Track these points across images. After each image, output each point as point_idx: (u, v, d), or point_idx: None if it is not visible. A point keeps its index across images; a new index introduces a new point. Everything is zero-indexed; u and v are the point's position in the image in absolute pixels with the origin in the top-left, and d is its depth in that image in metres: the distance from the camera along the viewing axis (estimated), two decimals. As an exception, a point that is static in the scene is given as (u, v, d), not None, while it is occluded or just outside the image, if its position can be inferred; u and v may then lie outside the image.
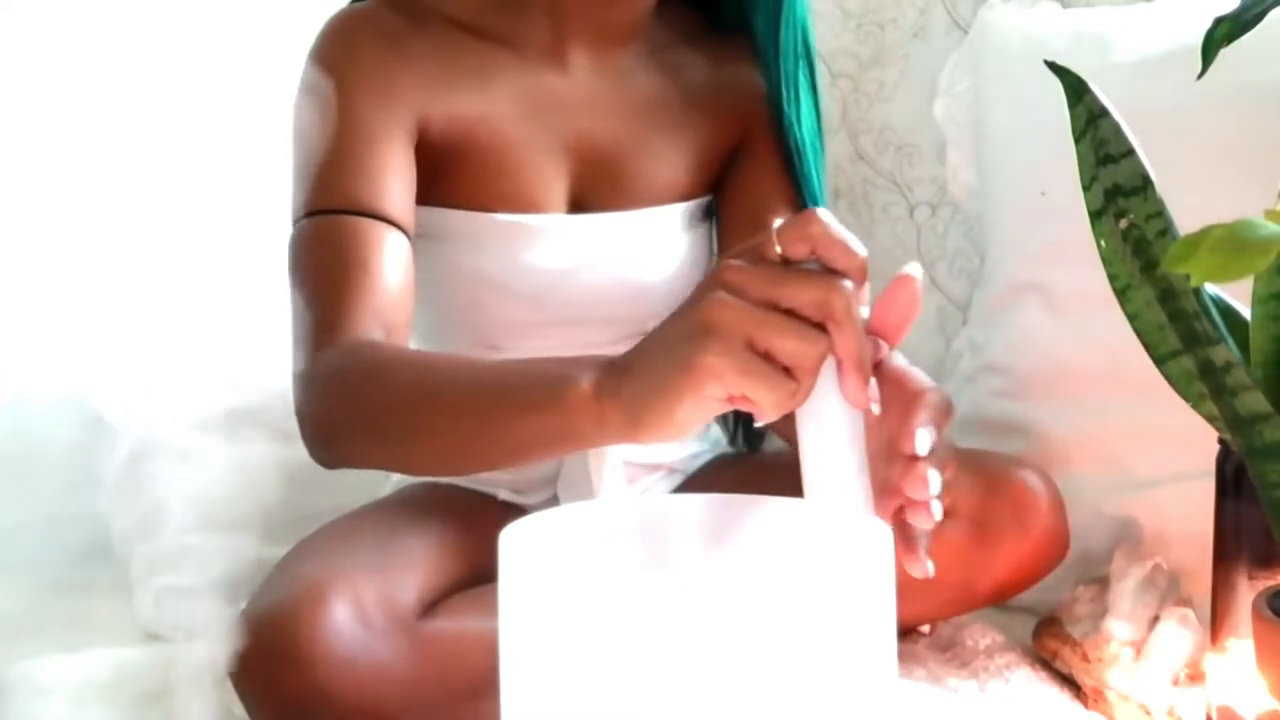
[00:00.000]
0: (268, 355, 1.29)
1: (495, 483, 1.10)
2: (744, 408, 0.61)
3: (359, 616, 0.84)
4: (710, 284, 0.62)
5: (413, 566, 0.92)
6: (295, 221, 0.93)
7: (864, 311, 0.62)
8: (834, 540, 0.62)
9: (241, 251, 1.30)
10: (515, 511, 1.10)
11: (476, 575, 0.95)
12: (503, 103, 1.00)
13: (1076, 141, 0.78)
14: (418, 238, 0.97)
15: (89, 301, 1.24)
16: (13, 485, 1.19)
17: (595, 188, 1.04)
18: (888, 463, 0.63)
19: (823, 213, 0.61)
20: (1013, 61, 1.32)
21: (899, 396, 0.63)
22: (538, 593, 0.55)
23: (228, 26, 1.41)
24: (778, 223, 0.62)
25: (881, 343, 0.64)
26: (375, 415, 0.80)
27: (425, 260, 0.98)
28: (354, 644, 0.83)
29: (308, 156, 0.93)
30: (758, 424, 0.62)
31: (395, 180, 0.93)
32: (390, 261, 0.90)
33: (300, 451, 1.25)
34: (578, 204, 1.04)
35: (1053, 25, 1.32)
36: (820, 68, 1.47)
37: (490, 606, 0.88)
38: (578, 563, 0.62)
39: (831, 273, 0.61)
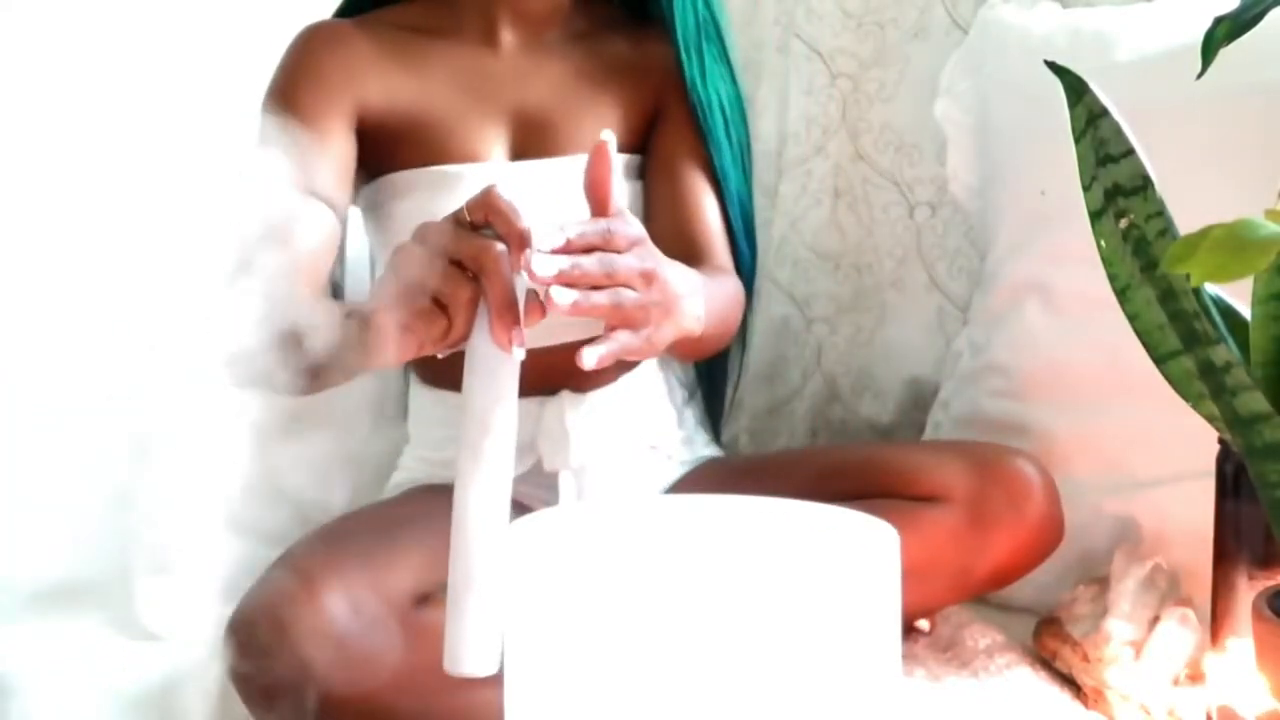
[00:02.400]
0: (267, 356, 1.29)
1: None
2: (416, 346, 0.74)
3: (350, 603, 0.86)
4: (412, 235, 0.76)
5: (406, 558, 0.93)
6: None
7: (523, 277, 0.74)
8: (838, 541, 0.62)
9: (240, 256, 1.30)
10: (518, 509, 1.11)
11: None
12: (440, 80, 1.13)
13: (1076, 141, 0.78)
14: (378, 206, 1.13)
15: (89, 300, 1.24)
16: (12, 484, 1.19)
17: (532, 142, 1.14)
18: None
19: (499, 189, 0.75)
20: (1013, 61, 1.32)
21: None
22: (542, 590, 0.55)
23: (227, 27, 1.41)
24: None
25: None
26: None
27: (386, 223, 1.13)
28: (345, 630, 0.85)
29: (259, 140, 1.07)
30: (440, 355, 0.76)
31: (325, 161, 1.07)
32: (312, 227, 1.03)
33: (301, 453, 1.26)
34: (516, 155, 1.15)
35: (1053, 25, 1.32)
36: (820, 67, 1.48)
37: None
38: (582, 561, 0.62)
39: (498, 237, 0.74)
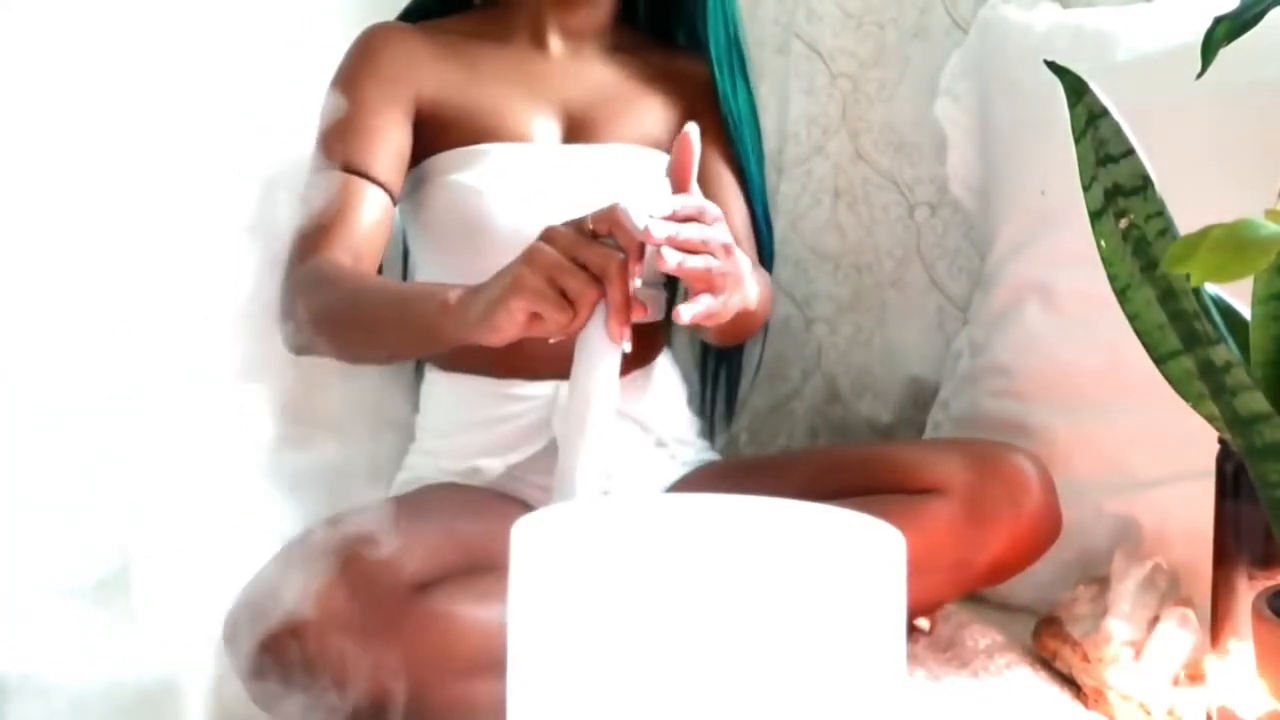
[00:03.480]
0: (270, 355, 1.29)
1: (496, 447, 1.16)
2: (538, 329, 0.87)
3: (352, 586, 0.87)
4: (539, 237, 0.88)
5: (411, 548, 0.95)
6: (309, 178, 1.17)
7: (637, 281, 0.88)
8: (844, 543, 0.62)
9: (242, 258, 1.30)
10: (519, 508, 1.12)
11: (475, 564, 0.97)
12: (493, 74, 1.22)
13: (1076, 141, 0.78)
14: (426, 181, 1.19)
15: (89, 299, 1.24)
16: (13, 484, 1.19)
17: (582, 127, 1.23)
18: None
19: (622, 205, 0.87)
20: (1013, 61, 1.32)
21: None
22: (546, 588, 0.55)
23: (227, 26, 1.41)
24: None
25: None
26: (322, 309, 1.05)
27: (435, 194, 1.18)
28: (346, 612, 0.86)
29: (323, 130, 1.18)
30: (550, 341, 0.89)
31: (386, 149, 1.17)
32: (368, 208, 1.14)
33: (302, 455, 1.26)
34: (568, 140, 1.23)
35: (1053, 25, 1.32)
36: (820, 67, 1.48)
37: (487, 593, 0.90)
38: (587, 559, 0.62)
39: (618, 248, 0.86)
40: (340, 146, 1.16)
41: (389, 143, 1.17)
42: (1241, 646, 0.89)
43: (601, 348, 0.86)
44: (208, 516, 1.19)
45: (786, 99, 1.48)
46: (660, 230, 0.86)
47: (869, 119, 1.47)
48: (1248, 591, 0.90)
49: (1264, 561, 0.90)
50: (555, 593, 0.55)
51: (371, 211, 1.14)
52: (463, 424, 1.18)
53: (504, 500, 1.13)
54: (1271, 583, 0.85)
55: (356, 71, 1.20)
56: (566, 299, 0.86)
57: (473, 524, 1.03)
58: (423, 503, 1.08)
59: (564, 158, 1.20)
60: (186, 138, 1.33)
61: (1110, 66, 1.22)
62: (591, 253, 0.86)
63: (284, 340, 1.11)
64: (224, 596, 1.07)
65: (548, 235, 0.88)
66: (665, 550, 0.65)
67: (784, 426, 1.49)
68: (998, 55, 1.34)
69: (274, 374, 1.29)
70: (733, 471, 1.22)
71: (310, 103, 1.38)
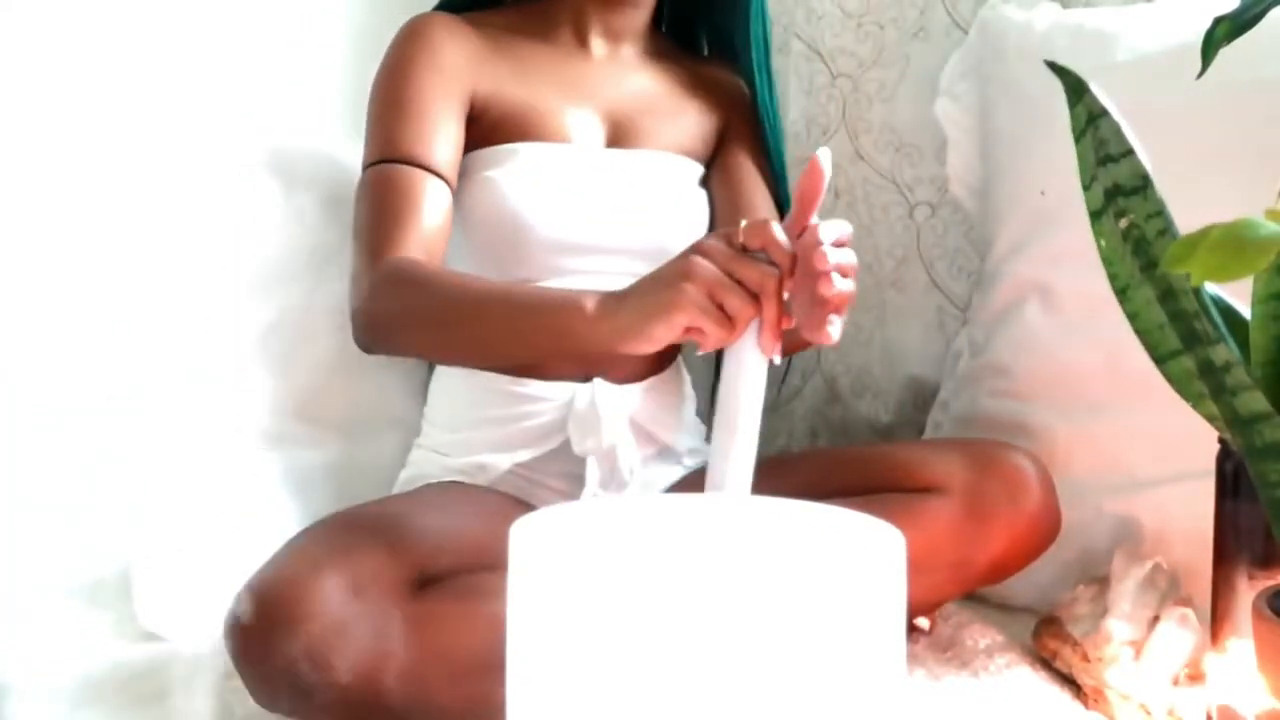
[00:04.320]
0: (269, 355, 1.29)
1: (506, 443, 1.15)
2: (694, 338, 0.88)
3: (352, 587, 0.87)
4: (691, 250, 0.89)
5: (411, 547, 0.94)
6: (364, 170, 1.15)
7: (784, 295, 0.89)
8: (843, 543, 0.62)
9: (242, 256, 1.30)
10: (517, 503, 1.12)
11: (476, 563, 0.97)
12: (541, 73, 1.22)
13: (1076, 141, 0.78)
14: (474, 174, 1.18)
15: (89, 299, 1.24)
16: (13, 484, 1.19)
17: (624, 133, 1.24)
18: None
19: (774, 223, 0.87)
20: (1013, 61, 1.32)
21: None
22: (546, 588, 0.55)
23: (226, 27, 1.41)
24: (744, 223, 0.88)
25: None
26: (418, 309, 1.03)
27: (476, 190, 1.17)
28: (346, 613, 0.86)
29: (377, 121, 1.16)
30: (699, 353, 0.90)
31: (443, 141, 1.15)
32: (432, 203, 1.12)
33: (302, 455, 1.26)
34: (610, 145, 1.24)
35: (1053, 25, 1.32)
36: (820, 67, 1.48)
37: (489, 592, 0.90)
38: (586, 559, 0.62)
39: (770, 263, 0.87)
40: (401, 138, 1.13)
41: (448, 136, 1.16)
42: (1241, 646, 0.89)
43: (753, 359, 0.88)
44: (208, 516, 1.19)
45: (786, 99, 1.48)
46: (834, 256, 0.87)
47: (869, 119, 1.47)
48: (1248, 591, 0.90)
49: (1264, 561, 0.90)
50: (554, 593, 0.55)
51: (438, 206, 1.12)
52: (474, 421, 1.18)
53: (507, 499, 1.13)
54: (1271, 583, 0.85)
55: (413, 61, 1.17)
56: (726, 314, 0.86)
57: (475, 523, 1.03)
58: (425, 501, 1.08)
59: (605, 161, 1.21)
60: (185, 136, 1.33)
61: (1110, 66, 1.22)
62: (751, 270, 0.86)
63: (355, 338, 1.10)
64: (224, 596, 1.07)
65: (703, 249, 0.88)
66: (665, 550, 0.65)
67: (784, 426, 1.49)
68: (998, 55, 1.34)
69: (276, 371, 1.29)
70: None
71: (308, 102, 1.38)
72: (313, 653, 0.84)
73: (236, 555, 1.15)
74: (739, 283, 0.86)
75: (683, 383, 1.26)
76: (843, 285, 0.88)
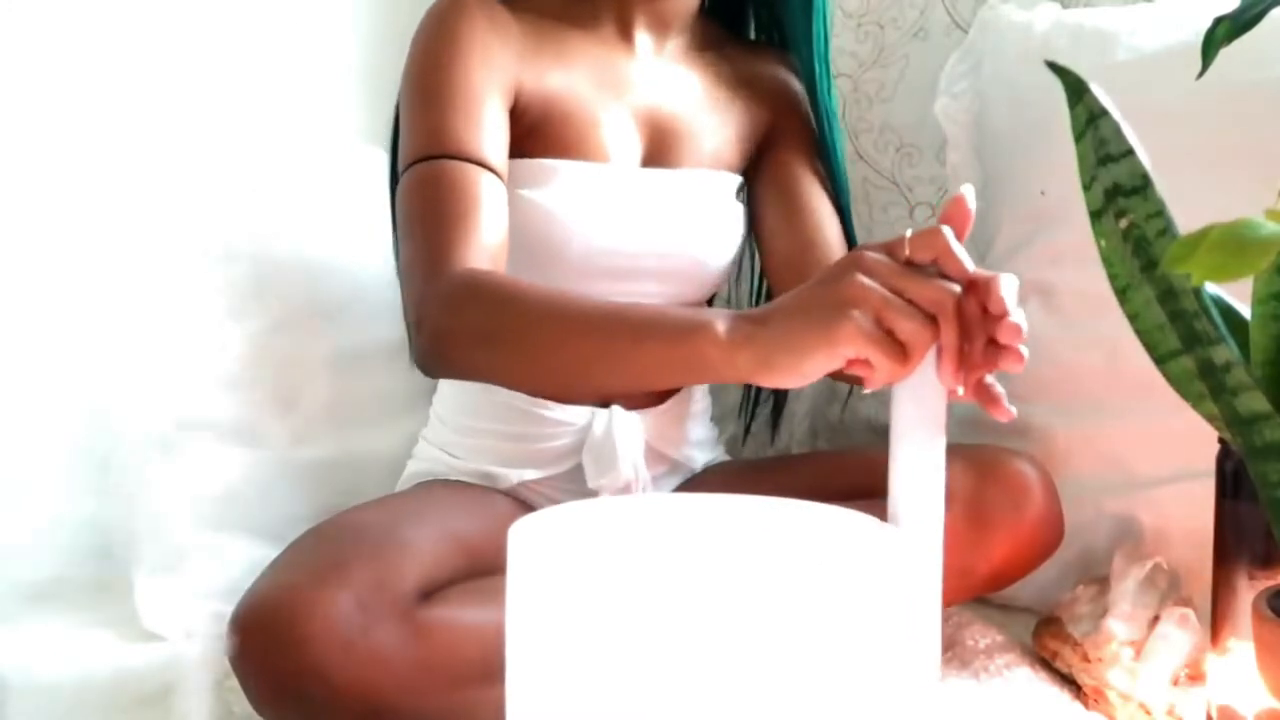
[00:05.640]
0: (269, 357, 1.29)
1: (517, 460, 1.13)
2: (860, 371, 0.74)
3: (357, 600, 0.85)
4: (849, 266, 0.74)
5: (414, 554, 0.93)
6: (407, 168, 1.03)
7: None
8: (845, 541, 0.62)
9: (241, 254, 1.30)
10: (522, 507, 1.12)
11: (480, 567, 0.96)
12: (581, 73, 1.13)
13: (1076, 141, 0.77)
14: (510, 188, 1.07)
15: (89, 300, 1.24)
16: (13, 485, 1.19)
17: (661, 149, 1.17)
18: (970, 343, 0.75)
19: (947, 230, 0.74)
20: (1013, 61, 1.32)
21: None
22: (545, 589, 0.55)
23: (227, 26, 1.41)
24: (909, 232, 0.74)
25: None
26: (503, 328, 0.89)
27: (511, 209, 1.06)
28: (351, 626, 0.84)
29: (421, 110, 1.04)
30: (866, 390, 0.75)
31: (494, 134, 1.04)
32: (491, 204, 1.01)
33: (302, 453, 1.25)
34: (647, 162, 1.17)
35: (1053, 25, 1.32)
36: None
37: (491, 597, 0.89)
38: (584, 559, 0.62)
39: (944, 278, 0.73)
40: (451, 129, 1.02)
41: (498, 127, 1.05)
42: (1241, 646, 0.89)
43: (933, 395, 0.73)
44: (208, 515, 1.19)
45: (786, 99, 1.47)
46: (1020, 326, 0.73)
47: (869, 119, 1.47)
48: (1248, 591, 0.90)
49: (1264, 561, 0.90)
50: (554, 595, 0.54)
51: (498, 207, 1.01)
52: (485, 432, 1.15)
53: (512, 502, 1.12)
54: (1271, 583, 0.85)
55: (455, 47, 1.05)
56: (899, 341, 0.72)
57: (479, 524, 1.01)
58: (429, 501, 1.07)
59: (641, 182, 1.14)
60: (185, 137, 1.33)
61: (1110, 66, 1.22)
62: (925, 287, 0.72)
63: (419, 358, 0.95)
64: (224, 596, 1.07)
65: (866, 265, 0.74)
66: (665, 551, 0.65)
67: (784, 426, 1.49)
68: (998, 55, 1.34)
69: (276, 370, 1.29)
70: (734, 473, 1.22)
71: (309, 104, 1.38)
72: (317, 669, 0.83)
73: (237, 555, 1.15)
74: (910, 303, 0.72)
75: (697, 394, 1.23)
76: (1026, 356, 0.74)
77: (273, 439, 1.26)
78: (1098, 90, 0.76)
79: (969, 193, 0.77)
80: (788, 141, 1.23)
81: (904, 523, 0.71)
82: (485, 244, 0.98)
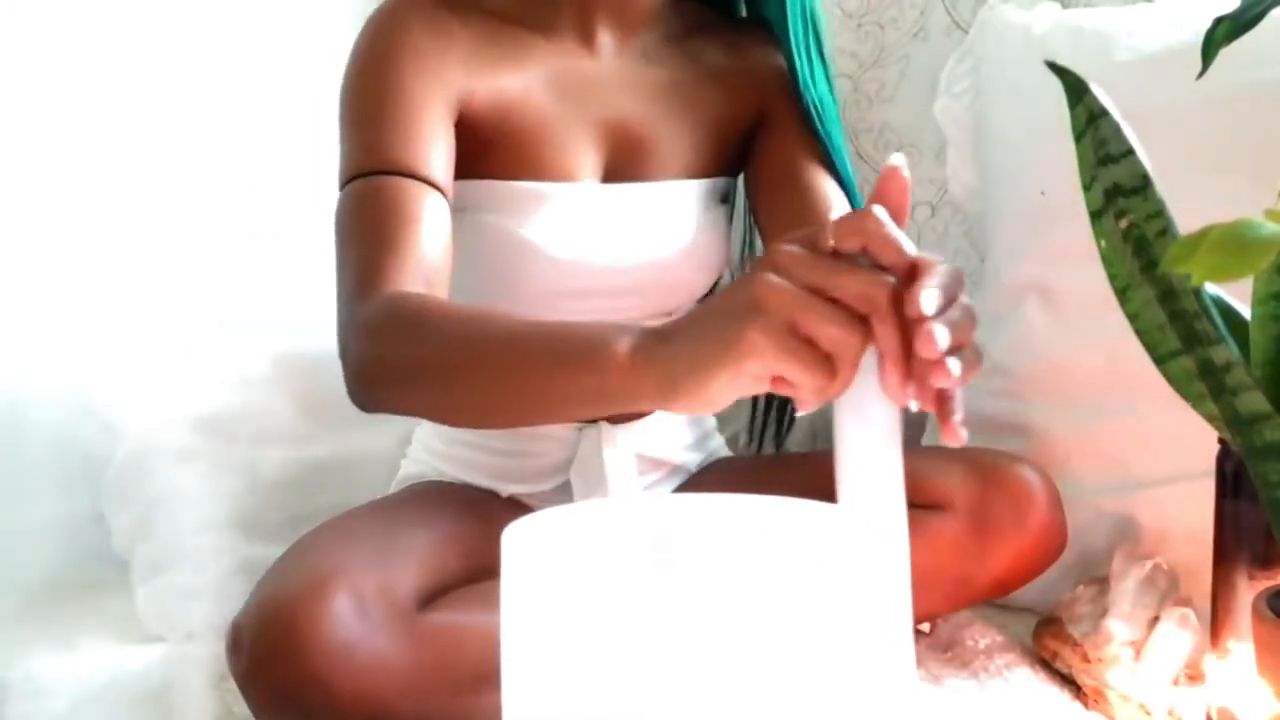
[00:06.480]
0: (267, 355, 1.29)
1: (504, 475, 1.11)
2: (784, 391, 0.62)
3: (357, 607, 0.84)
4: (760, 266, 0.62)
5: (413, 560, 0.92)
6: (343, 185, 0.97)
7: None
8: (841, 541, 0.62)
9: (240, 252, 1.30)
10: (519, 508, 1.11)
11: (478, 571, 0.96)
12: (538, 82, 1.06)
13: (1076, 141, 0.77)
14: (459, 210, 1.02)
15: (89, 300, 1.24)
16: (13, 485, 1.19)
17: (622, 162, 1.09)
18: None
19: (878, 210, 0.62)
20: (1013, 61, 1.32)
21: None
22: (540, 591, 0.55)
23: (226, 25, 1.41)
24: (834, 216, 0.63)
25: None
26: (417, 361, 0.82)
27: (464, 232, 1.02)
28: (352, 634, 0.83)
29: (356, 125, 0.99)
30: (799, 413, 0.62)
31: (436, 148, 0.98)
32: (432, 221, 0.94)
33: (300, 452, 1.25)
34: (608, 177, 1.10)
35: (1053, 25, 1.32)
36: (820, 67, 1.47)
37: (491, 601, 0.88)
38: (581, 562, 0.62)
39: (879, 269, 0.61)
40: (388, 143, 0.96)
41: (440, 140, 0.98)
42: (1241, 646, 0.89)
43: (879, 412, 0.60)
44: (207, 514, 1.19)
45: (786, 99, 1.48)
46: (943, 338, 0.59)
47: (869, 119, 1.47)
48: (1248, 591, 0.90)
49: (1264, 561, 0.90)
50: (549, 597, 0.54)
51: (439, 225, 0.94)
52: (472, 444, 1.12)
53: (509, 503, 1.12)
54: (1271, 583, 0.85)
55: (392, 57, 0.99)
56: (820, 351, 0.60)
57: (474, 527, 1.01)
58: (426, 505, 1.06)
59: (605, 200, 1.08)
60: (185, 137, 1.33)
61: (1110, 66, 1.22)
62: (851, 279, 0.60)
63: (351, 396, 0.89)
64: (224, 597, 1.07)
65: (775, 262, 0.62)
66: (662, 552, 0.65)
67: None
68: (998, 55, 1.34)
69: (276, 370, 1.29)
70: (731, 473, 1.21)
71: (306, 108, 1.38)
72: (319, 678, 0.82)
73: (236, 555, 1.15)
74: (835, 301, 0.60)
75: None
76: (958, 370, 0.60)
77: (272, 439, 1.26)
78: (1098, 90, 0.76)
79: (900, 161, 0.65)
80: (782, 124, 1.14)
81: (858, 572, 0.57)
82: (421, 264, 0.91)
